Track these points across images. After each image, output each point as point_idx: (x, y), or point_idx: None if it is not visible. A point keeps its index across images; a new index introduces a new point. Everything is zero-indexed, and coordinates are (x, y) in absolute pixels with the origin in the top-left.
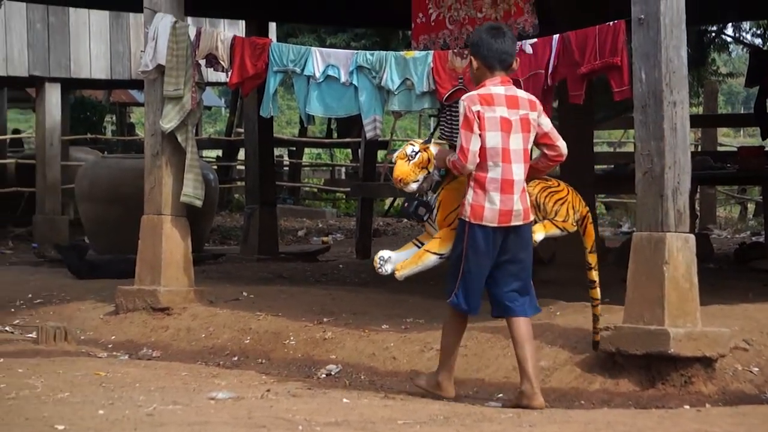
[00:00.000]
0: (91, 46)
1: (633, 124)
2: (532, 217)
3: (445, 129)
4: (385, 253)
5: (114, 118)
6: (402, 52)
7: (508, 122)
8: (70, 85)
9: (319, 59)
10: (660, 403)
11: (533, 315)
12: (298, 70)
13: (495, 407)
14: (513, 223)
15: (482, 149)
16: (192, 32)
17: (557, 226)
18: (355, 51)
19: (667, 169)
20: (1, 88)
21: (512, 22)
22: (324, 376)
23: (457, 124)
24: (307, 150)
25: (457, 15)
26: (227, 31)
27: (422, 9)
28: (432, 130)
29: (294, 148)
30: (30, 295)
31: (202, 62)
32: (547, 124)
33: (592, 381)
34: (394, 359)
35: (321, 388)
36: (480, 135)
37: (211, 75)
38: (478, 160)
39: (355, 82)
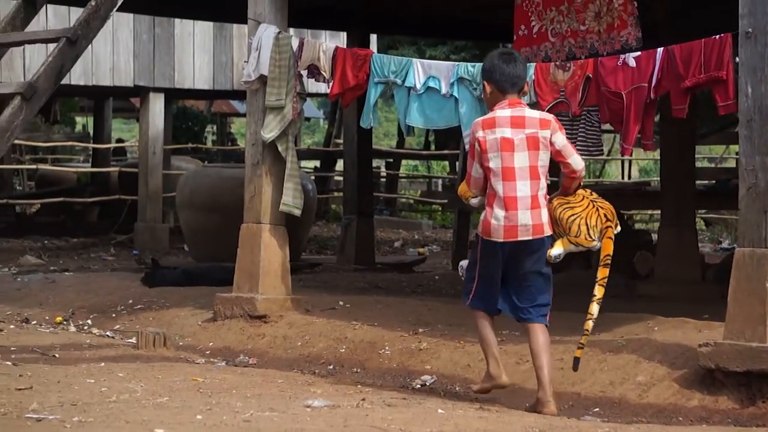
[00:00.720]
0: (195, 57)
1: (735, 139)
2: (548, 232)
3: None
4: (463, 262)
5: (215, 128)
6: None
7: (509, 142)
8: (173, 95)
9: (420, 71)
10: (760, 421)
11: (544, 319)
12: (399, 81)
13: (591, 421)
14: (520, 238)
15: (487, 170)
16: (295, 43)
17: (571, 242)
18: (456, 63)
19: None
20: (106, 97)
21: (615, 35)
22: (419, 386)
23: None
24: (404, 162)
25: (559, 27)
26: (329, 42)
27: (525, 21)
28: None
29: (391, 160)
30: (131, 301)
31: (304, 73)
32: (560, 141)
33: (691, 397)
34: None
35: (416, 398)
36: (483, 158)
37: (311, 86)
38: (481, 185)
39: (455, 93)
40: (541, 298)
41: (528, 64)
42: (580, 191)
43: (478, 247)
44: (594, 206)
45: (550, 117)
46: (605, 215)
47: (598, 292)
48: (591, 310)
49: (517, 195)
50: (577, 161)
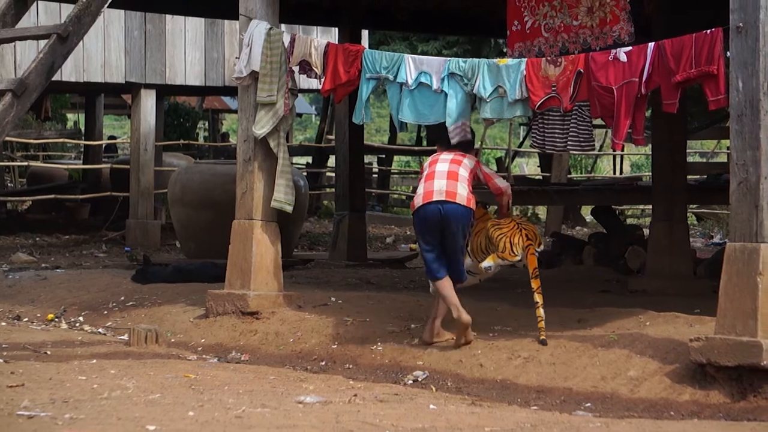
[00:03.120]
0: (186, 53)
1: (726, 133)
2: (462, 202)
3: (537, 137)
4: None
5: (206, 124)
6: (495, 60)
7: (436, 160)
8: (164, 92)
9: (411, 66)
10: (751, 415)
11: (462, 279)
12: (390, 77)
13: (583, 416)
14: (435, 198)
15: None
16: (286, 39)
17: (499, 257)
18: (448, 58)
19: (762, 179)
20: (98, 94)
21: (608, 30)
22: (411, 381)
23: (551, 131)
24: (396, 157)
25: (552, 23)
26: (320, 38)
27: (518, 16)
28: (522, 139)
29: (383, 156)
30: (122, 298)
31: (296, 69)
32: (484, 168)
33: (682, 392)
34: (481, 366)
35: (408, 393)
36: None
37: (303, 82)
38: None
39: (446, 88)
40: (459, 264)
41: (519, 60)
42: (514, 216)
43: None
44: (519, 228)
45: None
46: (527, 235)
47: (539, 299)
48: (539, 313)
49: (435, 178)
50: (500, 182)
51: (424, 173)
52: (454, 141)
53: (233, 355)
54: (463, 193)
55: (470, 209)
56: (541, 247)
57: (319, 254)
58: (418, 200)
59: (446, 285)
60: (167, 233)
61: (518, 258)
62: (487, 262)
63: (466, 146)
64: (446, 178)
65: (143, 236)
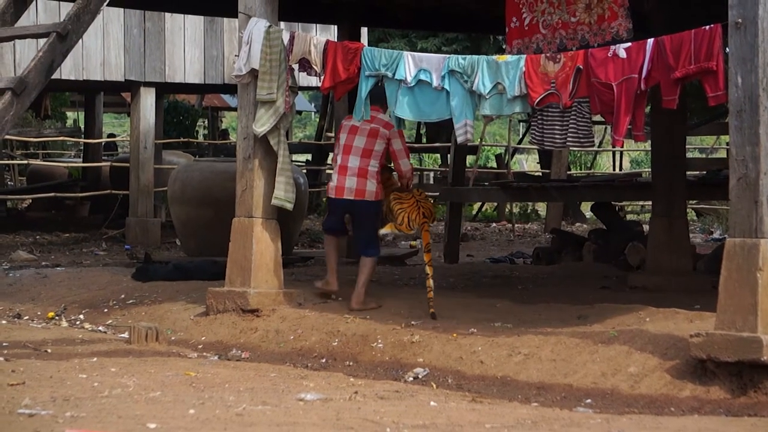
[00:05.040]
0: (186, 51)
1: (726, 129)
2: (371, 198)
3: (536, 134)
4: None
5: (206, 122)
6: (494, 57)
7: (355, 128)
8: (164, 90)
9: (411, 63)
10: (752, 411)
11: (372, 255)
12: (389, 74)
13: (584, 412)
14: (345, 197)
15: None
16: (285, 37)
17: (396, 228)
18: (447, 55)
19: (762, 174)
20: (97, 92)
21: (606, 26)
22: (411, 379)
23: (550, 128)
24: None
25: (550, 19)
26: (319, 35)
27: (516, 13)
28: (521, 136)
29: None
30: (123, 296)
31: (296, 66)
32: (396, 143)
33: (683, 388)
34: (481, 363)
35: (408, 390)
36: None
37: (303, 79)
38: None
39: (446, 86)
40: (371, 242)
41: (518, 56)
42: (414, 191)
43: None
44: (417, 205)
45: (392, 125)
46: (423, 213)
47: (429, 270)
48: (429, 284)
49: (348, 165)
50: (404, 164)
51: (341, 142)
52: (459, 140)
53: (234, 353)
54: (372, 189)
55: (378, 201)
56: (434, 222)
57: (319, 252)
58: (331, 191)
59: (330, 243)
60: (167, 231)
61: (413, 232)
62: (384, 230)
63: (381, 101)
64: (359, 160)
65: (143, 234)
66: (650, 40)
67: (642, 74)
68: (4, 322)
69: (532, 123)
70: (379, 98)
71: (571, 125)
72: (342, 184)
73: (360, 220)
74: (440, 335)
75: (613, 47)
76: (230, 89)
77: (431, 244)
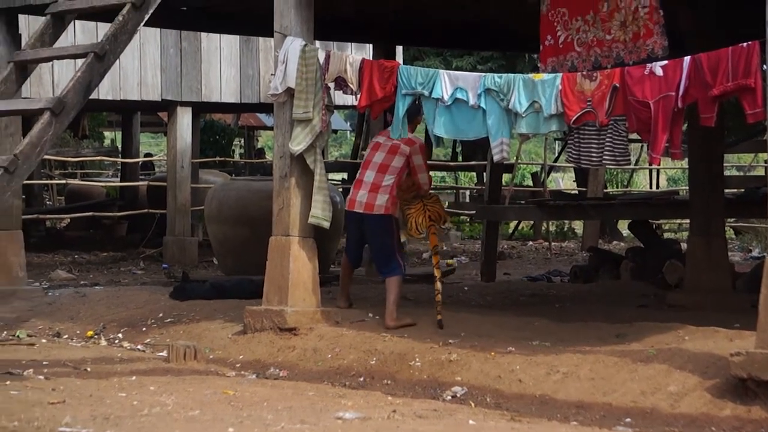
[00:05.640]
0: (222, 71)
1: (764, 147)
2: (380, 212)
3: (573, 152)
4: None
5: (242, 141)
6: (530, 75)
7: (378, 144)
8: (200, 109)
9: (447, 82)
10: None
11: (394, 275)
12: (426, 92)
13: (623, 431)
14: (356, 210)
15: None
16: (321, 55)
17: (409, 234)
18: (483, 74)
19: None
20: (134, 112)
21: (641, 44)
22: (450, 397)
23: (586, 146)
24: (431, 173)
25: (585, 37)
26: (355, 54)
27: (551, 31)
28: (557, 154)
29: None
30: (161, 315)
31: (331, 85)
32: (417, 159)
33: (723, 407)
34: (520, 382)
35: (447, 409)
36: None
37: (338, 98)
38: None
39: (483, 104)
40: (389, 260)
41: (554, 75)
42: (422, 199)
43: None
44: (424, 209)
45: (416, 140)
46: (430, 216)
47: (437, 273)
48: (437, 287)
49: (363, 180)
50: (422, 178)
51: (365, 158)
52: (496, 159)
53: (272, 371)
54: (381, 203)
55: (389, 216)
56: (446, 224)
57: (356, 270)
58: (346, 204)
59: (344, 266)
60: (204, 250)
61: (423, 235)
62: (402, 238)
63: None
64: (374, 176)
65: (180, 253)
66: (687, 58)
67: (679, 92)
68: (44, 340)
69: (569, 141)
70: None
71: (607, 143)
72: (354, 197)
73: (371, 234)
74: (478, 354)
75: (649, 65)
76: (266, 108)
77: (439, 246)
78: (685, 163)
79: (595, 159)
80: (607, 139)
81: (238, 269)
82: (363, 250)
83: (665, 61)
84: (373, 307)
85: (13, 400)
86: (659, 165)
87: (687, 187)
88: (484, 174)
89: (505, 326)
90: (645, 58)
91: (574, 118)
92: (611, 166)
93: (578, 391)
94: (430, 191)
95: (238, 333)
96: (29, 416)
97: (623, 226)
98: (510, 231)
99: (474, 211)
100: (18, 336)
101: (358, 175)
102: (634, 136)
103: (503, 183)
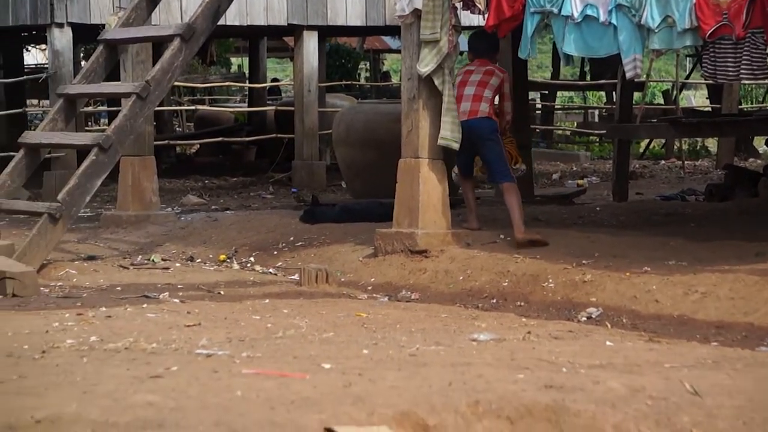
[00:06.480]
0: None
1: None
2: (483, 115)
3: (708, 67)
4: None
5: (367, 64)
6: None
7: (470, 71)
8: (326, 33)
9: None
10: None
11: (508, 180)
12: (555, 10)
13: (767, 351)
14: (460, 119)
15: None
16: None
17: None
18: None
19: None
20: (261, 37)
21: None
22: (584, 319)
23: (722, 61)
24: (559, 93)
25: None
26: None
27: None
28: (689, 71)
29: (546, 92)
30: (291, 238)
31: (459, 5)
32: (507, 87)
33: None
34: (656, 302)
35: (582, 330)
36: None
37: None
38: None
39: (614, 21)
40: (502, 174)
41: None
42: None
43: None
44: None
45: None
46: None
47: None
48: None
49: (464, 93)
50: (508, 106)
51: (460, 80)
52: (628, 75)
53: (403, 294)
54: (484, 109)
55: (494, 122)
56: (518, 165)
57: (485, 192)
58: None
59: (462, 185)
60: (332, 174)
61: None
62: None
63: (489, 54)
64: (474, 89)
65: (309, 177)
66: None
67: None
68: (178, 264)
69: (704, 56)
70: (485, 51)
71: (744, 57)
72: (458, 109)
73: (480, 140)
74: (613, 274)
75: None
76: (391, 31)
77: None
78: None
79: (731, 74)
80: (744, 53)
81: (366, 192)
82: (473, 161)
83: None
84: (503, 228)
85: (151, 322)
86: None
87: None
88: (614, 93)
89: (639, 246)
90: None
91: (709, 32)
92: (748, 81)
93: (718, 311)
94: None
95: (369, 256)
96: (167, 338)
97: (759, 143)
98: (641, 150)
99: (603, 131)
100: (153, 260)
101: (455, 93)
102: None
103: (634, 101)
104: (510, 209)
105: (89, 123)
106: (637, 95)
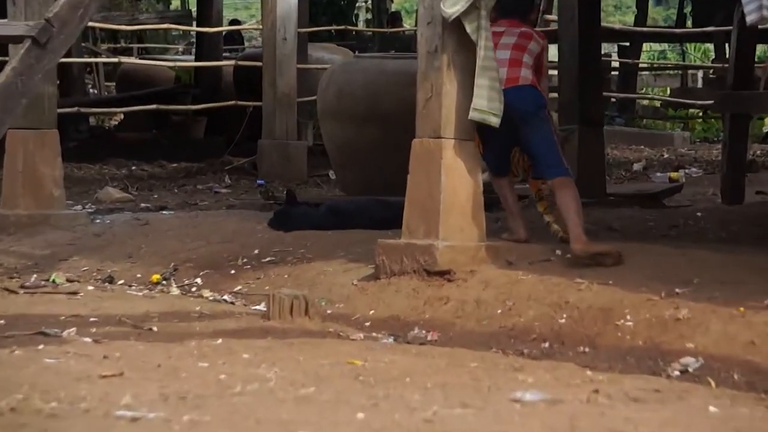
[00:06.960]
0: None
1: None
2: (526, 83)
3: None
4: None
5: (368, 2)
6: None
7: (500, 33)
8: None
9: None
10: None
11: (563, 174)
12: None
13: None
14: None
15: None
16: None
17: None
18: None
19: None
20: None
21: None
22: (677, 373)
23: None
24: (646, 46)
25: None
26: None
27: None
28: None
29: (628, 44)
30: (257, 251)
31: None
32: (546, 57)
33: None
34: None
35: (674, 390)
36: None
37: None
38: None
39: None
40: (554, 164)
41: None
42: None
43: None
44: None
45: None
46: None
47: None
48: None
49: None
50: (545, 83)
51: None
52: (750, 20)
53: (416, 333)
54: (527, 76)
55: (540, 93)
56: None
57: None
58: None
59: (496, 184)
60: (316, 159)
61: (519, 178)
62: None
63: (521, 14)
64: (510, 53)
65: (283, 163)
66: None
67: None
68: (90, 288)
69: None
70: (516, 8)
71: None
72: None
73: (523, 119)
74: (719, 309)
75: None
76: None
77: (544, 190)
78: None
79: None
80: None
81: (364, 186)
82: (510, 151)
83: None
84: (562, 240)
85: (50, 371)
86: None
87: None
88: (727, 46)
89: (759, 269)
90: None
91: None
92: None
93: None
94: None
95: (367, 278)
96: (72, 394)
97: None
98: (764, 131)
99: (711, 101)
100: (54, 281)
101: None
102: None
103: (755, 59)
104: (564, 212)
105: None
106: (761, 49)
